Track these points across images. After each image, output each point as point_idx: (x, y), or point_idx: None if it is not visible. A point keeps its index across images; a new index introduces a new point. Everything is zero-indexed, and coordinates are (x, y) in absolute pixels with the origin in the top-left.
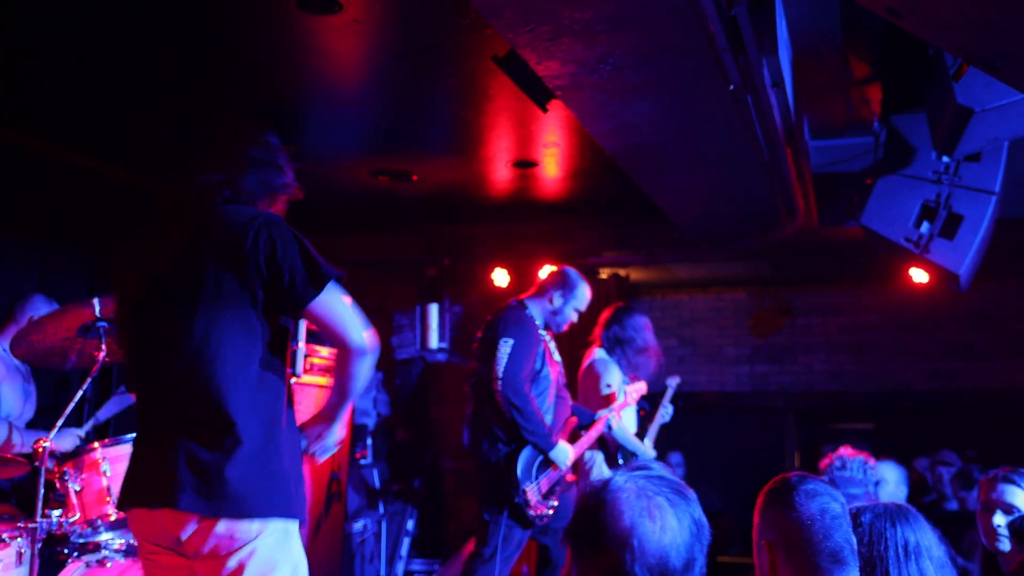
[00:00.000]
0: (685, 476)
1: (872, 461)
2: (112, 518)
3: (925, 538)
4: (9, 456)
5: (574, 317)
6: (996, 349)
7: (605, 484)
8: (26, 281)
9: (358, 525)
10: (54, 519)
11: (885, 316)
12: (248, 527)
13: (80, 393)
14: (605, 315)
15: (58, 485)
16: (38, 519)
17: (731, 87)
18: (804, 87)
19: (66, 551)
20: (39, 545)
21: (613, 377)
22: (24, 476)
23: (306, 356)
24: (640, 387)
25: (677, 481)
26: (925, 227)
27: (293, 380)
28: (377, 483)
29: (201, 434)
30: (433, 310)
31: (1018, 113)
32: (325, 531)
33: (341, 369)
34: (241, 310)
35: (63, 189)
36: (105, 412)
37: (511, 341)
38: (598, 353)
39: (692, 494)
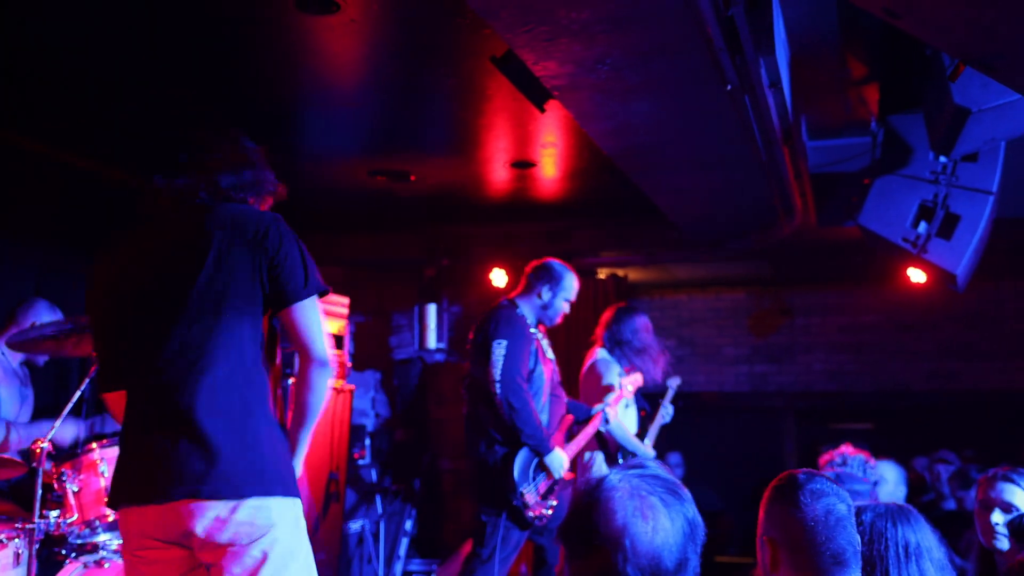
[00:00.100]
0: (684, 476)
1: (872, 460)
2: (110, 519)
3: (926, 539)
4: (6, 457)
5: (566, 308)
6: (994, 349)
7: (599, 483)
8: (24, 282)
9: (356, 525)
10: (52, 520)
11: (884, 316)
12: (267, 513)
13: (78, 394)
14: (606, 316)
15: (56, 486)
16: (36, 520)
17: (729, 87)
18: (802, 87)
19: (64, 552)
20: (37, 546)
21: (614, 377)
22: (22, 477)
23: None
24: (636, 379)
25: (672, 480)
26: (923, 227)
27: (290, 380)
28: (375, 483)
29: (214, 423)
30: (431, 310)
31: (1015, 113)
32: (323, 531)
33: (302, 384)
34: (248, 304)
35: (62, 190)
36: (112, 426)
37: (504, 343)
38: (600, 353)
39: (687, 494)
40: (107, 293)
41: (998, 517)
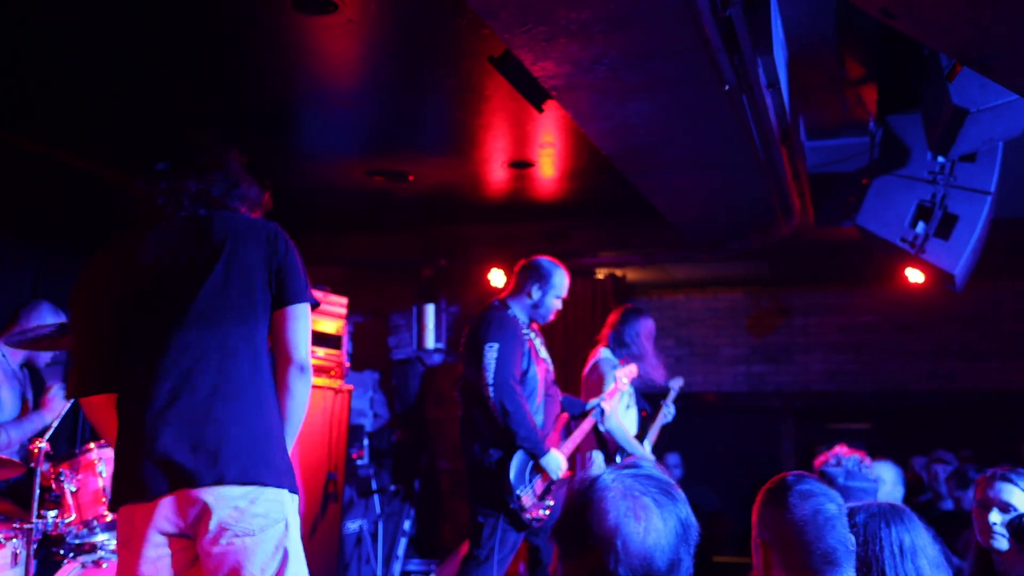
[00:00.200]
0: (683, 476)
1: (868, 460)
2: (108, 519)
3: (920, 537)
4: (4, 457)
5: (558, 305)
6: (992, 349)
7: (592, 483)
8: (23, 282)
9: (354, 525)
10: (50, 520)
11: (882, 316)
12: (281, 506)
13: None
14: (613, 316)
15: (54, 486)
16: (34, 520)
17: (727, 87)
18: (800, 87)
19: (62, 552)
20: (35, 546)
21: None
22: (20, 477)
23: None
24: (630, 370)
25: (665, 480)
26: (921, 227)
27: None
28: (374, 483)
29: (233, 416)
30: (430, 310)
31: (1013, 113)
32: (321, 531)
33: (282, 390)
34: (258, 306)
35: (61, 190)
36: None
37: (496, 346)
38: (603, 352)
39: (680, 494)
40: (101, 295)
41: (996, 517)
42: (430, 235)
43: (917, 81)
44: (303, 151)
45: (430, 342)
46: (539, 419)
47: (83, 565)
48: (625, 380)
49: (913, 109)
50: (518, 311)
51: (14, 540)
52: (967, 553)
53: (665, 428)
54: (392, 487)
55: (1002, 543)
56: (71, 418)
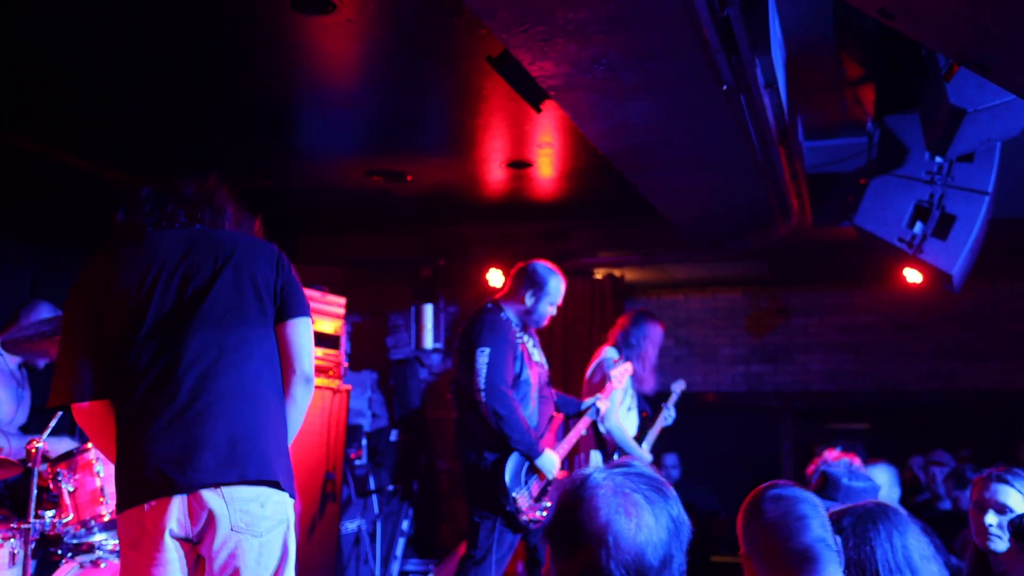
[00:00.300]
0: (681, 476)
1: (858, 462)
2: (106, 519)
3: (909, 533)
4: (2, 458)
5: (552, 311)
6: (990, 349)
7: (583, 481)
8: (22, 282)
9: (352, 525)
10: (47, 520)
11: (881, 316)
12: (284, 507)
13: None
14: (624, 318)
15: (51, 486)
16: (31, 520)
17: (725, 88)
18: (798, 88)
19: (60, 552)
20: (32, 546)
21: None
22: (17, 477)
23: None
24: (626, 368)
25: (656, 478)
26: (918, 227)
27: None
28: (372, 483)
29: (248, 417)
30: (428, 310)
31: (1010, 114)
32: (320, 531)
33: (285, 398)
34: (264, 315)
35: (60, 190)
36: None
37: (487, 350)
38: (606, 352)
39: (672, 492)
40: (101, 296)
41: (992, 518)
42: (429, 235)
43: (915, 81)
44: (302, 151)
45: (429, 342)
46: (533, 423)
47: (81, 565)
48: (621, 379)
49: (911, 109)
50: (511, 315)
51: (11, 540)
52: (964, 553)
53: (665, 428)
54: (390, 487)
55: (999, 544)
56: (70, 418)
